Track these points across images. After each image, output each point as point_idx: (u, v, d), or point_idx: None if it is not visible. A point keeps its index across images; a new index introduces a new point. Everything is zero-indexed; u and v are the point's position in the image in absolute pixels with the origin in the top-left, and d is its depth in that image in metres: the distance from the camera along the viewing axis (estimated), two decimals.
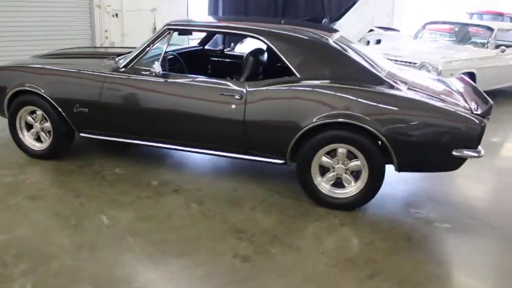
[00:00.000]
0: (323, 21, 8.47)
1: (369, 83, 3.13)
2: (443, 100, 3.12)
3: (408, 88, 3.20)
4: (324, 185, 3.19)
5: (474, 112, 2.96)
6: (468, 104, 3.10)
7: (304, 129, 3.04)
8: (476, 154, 2.89)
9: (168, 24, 3.51)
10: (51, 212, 3.01)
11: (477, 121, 2.88)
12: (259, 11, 9.64)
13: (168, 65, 3.67)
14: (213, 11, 9.26)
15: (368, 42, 8.94)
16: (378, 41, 9.08)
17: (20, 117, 3.81)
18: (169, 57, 3.77)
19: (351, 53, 3.34)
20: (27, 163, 3.81)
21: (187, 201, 3.25)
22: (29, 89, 3.65)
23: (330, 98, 3.05)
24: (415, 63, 5.91)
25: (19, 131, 3.86)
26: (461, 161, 2.98)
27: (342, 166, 3.13)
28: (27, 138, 3.87)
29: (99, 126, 3.64)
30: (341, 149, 3.07)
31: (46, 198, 3.22)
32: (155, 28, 8.52)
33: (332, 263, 2.57)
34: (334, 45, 3.30)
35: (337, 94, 3.05)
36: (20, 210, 3.04)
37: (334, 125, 3.01)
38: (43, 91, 3.61)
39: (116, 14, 8.14)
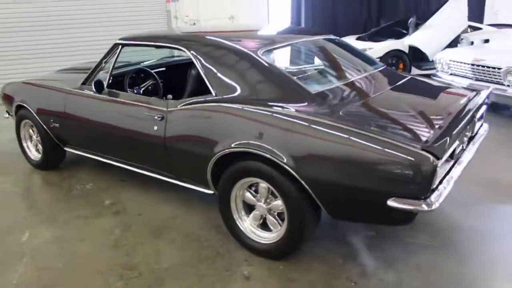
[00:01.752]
0: (409, 21, 7.41)
1: (295, 102, 2.51)
2: (399, 128, 2.32)
3: (348, 109, 2.48)
4: (247, 224, 2.68)
5: (426, 145, 2.09)
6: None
7: (215, 157, 2.59)
8: (422, 208, 2.05)
9: (119, 40, 3.38)
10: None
11: (425, 160, 2.02)
12: (348, 16, 8.89)
13: (130, 80, 3.55)
14: (296, 17, 8.85)
15: (471, 43, 7.48)
16: (486, 41, 7.51)
17: (23, 128, 4.14)
18: (118, 72, 3.59)
19: (285, 66, 2.75)
20: (25, 171, 4.12)
21: (117, 225, 3.08)
22: (20, 103, 3.94)
23: (240, 122, 2.53)
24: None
25: (23, 142, 4.20)
26: (407, 214, 2.17)
27: (263, 205, 2.58)
28: (29, 149, 4.18)
29: (69, 141, 3.73)
30: (264, 184, 2.52)
31: (2, 204, 3.41)
32: None
33: None
34: (260, 58, 2.70)
35: (247, 118, 2.50)
36: None
37: (248, 154, 2.49)
38: (29, 106, 3.85)
39: (194, 23, 8.36)
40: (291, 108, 2.44)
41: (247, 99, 2.57)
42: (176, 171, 2.96)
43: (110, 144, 3.36)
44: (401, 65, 7.34)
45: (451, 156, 2.38)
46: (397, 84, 3.08)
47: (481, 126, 3.08)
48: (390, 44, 7.32)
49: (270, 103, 2.50)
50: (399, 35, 7.66)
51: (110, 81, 3.31)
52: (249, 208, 2.68)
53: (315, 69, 2.99)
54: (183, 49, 2.90)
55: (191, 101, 2.79)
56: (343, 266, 2.55)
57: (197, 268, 2.58)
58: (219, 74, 2.71)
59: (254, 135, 2.43)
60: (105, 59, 3.40)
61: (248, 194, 2.63)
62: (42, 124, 3.79)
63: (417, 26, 7.38)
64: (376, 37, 7.94)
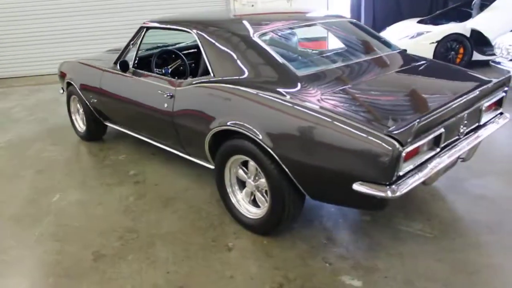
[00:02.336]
0: (473, 3, 6.89)
1: (281, 83, 2.57)
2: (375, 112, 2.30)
3: (331, 92, 2.49)
4: (239, 198, 2.83)
5: (394, 131, 2.04)
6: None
7: (209, 134, 2.76)
8: (382, 193, 2.05)
9: (143, 23, 3.62)
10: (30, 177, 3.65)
11: (387, 145, 2.00)
12: (413, 1, 8.43)
13: (159, 59, 3.80)
14: (357, 1, 8.58)
15: None
16: None
17: (72, 103, 4.62)
18: (146, 54, 3.85)
19: (281, 48, 2.80)
20: (73, 142, 4.61)
21: (133, 193, 3.39)
22: (69, 80, 4.40)
23: (226, 102, 2.67)
24: None
25: (72, 115, 4.69)
26: (377, 199, 2.16)
27: (252, 182, 2.70)
28: (77, 122, 4.66)
29: (105, 115, 4.10)
30: (252, 162, 2.65)
31: (46, 169, 3.89)
32: None
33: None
34: (253, 41, 2.77)
35: (233, 98, 2.63)
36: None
37: (237, 132, 2.62)
38: (74, 82, 4.29)
39: (252, 5, 8.48)
40: (275, 89, 2.51)
41: (238, 80, 2.69)
42: (184, 146, 3.17)
43: (134, 120, 3.66)
44: (461, 50, 6.87)
45: (437, 144, 2.30)
46: (404, 67, 3.00)
47: (495, 116, 2.89)
48: (449, 28, 6.86)
49: (257, 84, 2.59)
50: (466, 17, 7.14)
51: (137, 61, 3.58)
52: (242, 184, 2.82)
53: (314, 51, 3.00)
54: (190, 32, 3.07)
55: (194, 81, 2.96)
56: (325, 247, 2.60)
57: (188, 236, 2.79)
58: (216, 56, 2.85)
59: (238, 114, 2.56)
60: (132, 41, 3.67)
61: (240, 171, 2.76)
62: (84, 99, 4.20)
63: (482, 7, 6.83)
64: (438, 20, 7.47)
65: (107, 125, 4.33)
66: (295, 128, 2.30)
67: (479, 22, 6.65)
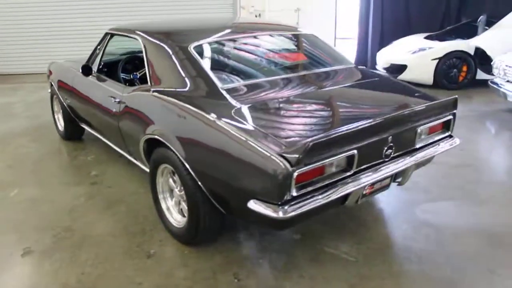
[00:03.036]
0: (478, 20, 6.67)
1: (204, 95, 2.61)
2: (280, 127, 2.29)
3: (246, 106, 2.48)
4: (168, 206, 2.86)
5: (287, 152, 2.00)
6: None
7: (141, 140, 2.82)
8: (273, 214, 2.01)
9: (109, 30, 3.72)
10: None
11: (276, 166, 1.98)
12: (423, 12, 8.21)
13: (129, 65, 3.91)
14: (365, 9, 8.45)
15: None
16: None
17: (54, 102, 4.80)
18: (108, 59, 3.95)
19: (216, 60, 2.83)
20: (54, 140, 4.79)
21: (85, 194, 3.48)
22: (51, 81, 4.57)
23: (154, 111, 2.74)
24: None
25: (55, 114, 4.87)
26: (272, 219, 2.10)
27: (177, 191, 2.73)
28: (58, 121, 4.83)
29: (77, 116, 4.23)
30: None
31: (16, 164, 4.06)
32: None
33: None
34: (187, 53, 2.80)
35: (158, 107, 2.71)
36: None
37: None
38: (53, 83, 4.46)
39: (259, 15, 8.53)
40: (194, 100, 2.55)
41: (165, 90, 2.74)
42: (128, 150, 3.24)
43: (93, 121, 3.77)
44: (464, 68, 6.63)
45: (350, 166, 2.25)
46: (344, 83, 2.99)
47: (440, 139, 2.78)
48: (452, 45, 6.64)
49: (181, 95, 2.63)
50: (476, 34, 6.90)
51: (101, 66, 3.70)
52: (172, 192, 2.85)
53: (248, 64, 3.00)
54: (138, 40, 3.13)
55: (135, 88, 3.02)
56: (241, 262, 2.58)
57: (117, 239, 2.84)
58: (153, 65, 2.92)
59: (160, 123, 2.62)
60: (98, 46, 3.78)
61: (170, 180, 2.79)
62: (61, 98, 4.36)
63: (490, 25, 6.59)
64: (447, 36, 7.25)
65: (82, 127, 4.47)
66: (202, 139, 2.34)
67: (483, 40, 6.42)
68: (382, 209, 3.18)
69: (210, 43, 2.96)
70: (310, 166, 2.04)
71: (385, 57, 7.28)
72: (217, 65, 2.86)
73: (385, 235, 2.86)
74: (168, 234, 2.85)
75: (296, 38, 3.53)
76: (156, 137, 2.59)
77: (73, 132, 4.62)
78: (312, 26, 8.42)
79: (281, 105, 2.55)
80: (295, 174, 1.98)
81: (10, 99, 6.84)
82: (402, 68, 6.85)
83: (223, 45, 3.06)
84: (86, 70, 3.58)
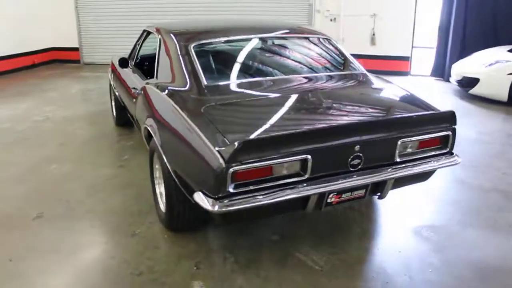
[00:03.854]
0: None
1: (190, 90, 2.74)
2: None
3: (223, 104, 2.59)
4: (161, 191, 3.05)
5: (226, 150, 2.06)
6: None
7: (142, 130, 3.06)
8: (208, 206, 2.10)
9: (146, 27, 4.03)
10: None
11: (213, 161, 2.06)
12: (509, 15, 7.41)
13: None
14: (446, 16, 7.87)
15: None
16: None
17: (112, 91, 5.32)
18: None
19: (216, 58, 2.99)
20: (108, 125, 5.31)
21: (109, 175, 3.84)
22: (108, 72, 5.10)
23: (147, 102, 2.95)
24: None
25: (112, 102, 5.36)
26: (215, 213, 2.15)
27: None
28: (113, 108, 5.32)
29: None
30: None
31: (68, 143, 4.60)
32: (373, 34, 8.29)
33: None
34: (188, 49, 2.93)
35: (150, 99, 2.92)
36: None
37: None
38: (109, 73, 4.96)
39: (334, 19, 8.44)
40: (179, 94, 2.72)
41: (160, 84, 2.95)
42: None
43: (128, 109, 4.12)
44: None
45: (304, 171, 2.22)
46: (331, 88, 2.96)
47: (433, 156, 2.59)
48: None
49: (171, 89, 2.80)
50: None
51: (138, 60, 4.05)
52: None
53: (241, 64, 3.06)
54: (157, 37, 3.38)
55: (147, 81, 3.28)
56: (209, 254, 2.67)
57: (115, 216, 3.12)
58: (159, 61, 3.14)
59: (152, 113, 2.80)
60: (137, 42, 4.13)
61: None
62: (113, 89, 4.83)
63: None
64: None
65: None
66: (172, 129, 2.50)
67: None
68: (376, 223, 3.04)
69: (212, 43, 3.10)
70: (250, 165, 2.07)
71: (459, 69, 6.74)
72: (211, 64, 2.99)
73: (364, 250, 2.73)
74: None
75: (303, 41, 3.50)
76: (146, 126, 2.80)
77: (122, 118, 5.06)
78: (388, 32, 8.11)
79: (253, 104, 2.60)
80: (230, 170, 2.02)
81: (90, 86, 7.68)
82: (474, 81, 6.30)
83: (224, 45, 3.16)
84: (123, 62, 3.94)
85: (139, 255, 2.65)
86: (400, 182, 2.61)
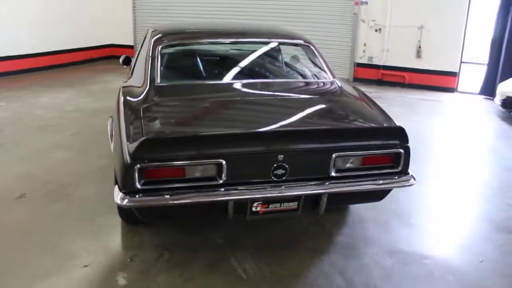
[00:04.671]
0: None
1: (143, 89, 2.83)
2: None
3: (165, 103, 2.69)
4: None
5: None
6: None
7: None
8: (116, 199, 2.23)
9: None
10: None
11: (123, 157, 2.16)
12: None
13: None
14: (499, 35, 7.25)
15: None
16: None
17: None
18: None
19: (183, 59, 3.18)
20: None
21: (104, 165, 4.06)
22: None
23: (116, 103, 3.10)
24: None
25: None
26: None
27: None
28: None
29: None
30: None
31: (81, 133, 4.92)
32: (419, 47, 7.91)
33: None
34: (155, 50, 3.03)
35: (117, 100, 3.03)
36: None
37: None
38: None
39: (380, 29, 8.16)
40: (134, 91, 2.85)
41: (129, 80, 3.08)
42: None
43: None
44: None
45: (219, 175, 2.21)
46: (281, 96, 2.92)
47: (379, 174, 2.44)
48: None
49: (127, 87, 2.95)
50: None
51: None
52: None
53: (203, 66, 3.08)
54: None
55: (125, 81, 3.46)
56: (146, 252, 2.73)
57: (91, 203, 3.31)
58: (137, 60, 3.32)
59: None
60: (143, 41, 4.31)
61: None
62: None
63: None
64: None
65: None
66: (115, 127, 2.60)
67: None
68: (332, 241, 2.90)
69: (182, 45, 3.18)
70: (158, 163, 2.11)
71: (503, 88, 6.19)
72: (176, 65, 3.06)
73: (303, 266, 2.63)
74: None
75: (279, 46, 3.46)
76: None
77: None
78: (435, 46, 7.68)
79: (191, 106, 2.63)
80: (137, 166, 2.08)
81: None
82: None
83: (195, 47, 3.22)
84: (126, 60, 4.16)
85: (91, 242, 2.78)
86: (343, 198, 2.49)
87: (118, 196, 2.17)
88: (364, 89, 7.64)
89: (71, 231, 2.92)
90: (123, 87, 3.00)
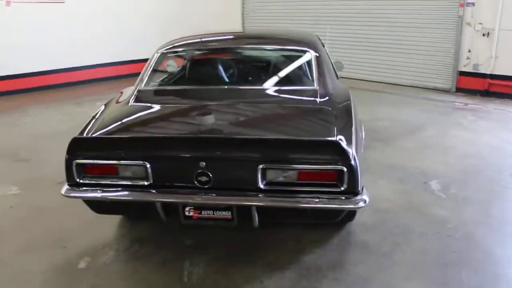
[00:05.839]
0: None
1: (133, 91, 3.11)
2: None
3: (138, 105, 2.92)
4: None
5: None
6: None
7: None
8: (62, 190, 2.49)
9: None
10: None
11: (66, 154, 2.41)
12: None
13: None
14: None
15: None
16: None
17: None
18: None
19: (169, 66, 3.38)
20: None
21: None
22: None
23: None
24: None
25: None
26: None
27: None
28: None
29: None
30: None
31: None
32: None
33: None
34: (154, 54, 3.29)
35: None
36: None
37: None
38: None
39: (488, 34, 7.22)
40: (127, 93, 3.14)
41: None
42: None
43: None
44: None
45: (146, 177, 2.35)
46: (254, 103, 2.92)
47: (325, 192, 2.26)
48: None
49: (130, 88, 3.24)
50: None
51: None
52: None
53: (191, 72, 3.21)
54: None
55: None
56: (120, 242, 2.98)
57: None
58: None
59: None
60: None
61: None
62: None
63: None
64: None
65: None
66: None
67: None
68: (309, 259, 2.75)
69: (178, 52, 3.35)
70: (91, 160, 2.32)
71: None
72: (165, 70, 3.28)
73: (252, 277, 2.57)
74: None
75: (278, 52, 3.40)
76: None
77: None
78: None
79: (156, 110, 2.81)
80: (75, 162, 2.32)
81: None
82: None
83: (191, 54, 3.36)
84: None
85: (78, 228, 3.15)
86: (282, 214, 2.37)
87: (63, 187, 2.44)
88: (463, 100, 6.96)
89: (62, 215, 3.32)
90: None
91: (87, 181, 2.40)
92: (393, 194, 3.63)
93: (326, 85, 3.00)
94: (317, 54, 3.17)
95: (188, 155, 2.27)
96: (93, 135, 2.42)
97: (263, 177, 2.26)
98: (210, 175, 2.26)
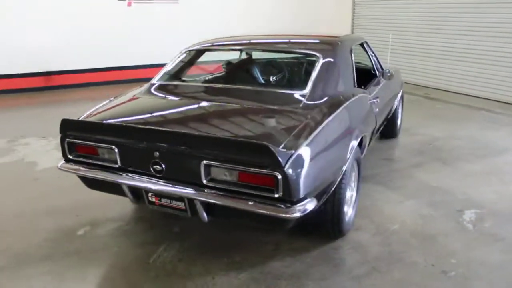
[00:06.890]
0: None
1: (147, 87, 3.40)
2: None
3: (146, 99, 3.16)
4: None
5: None
6: None
7: None
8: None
9: None
10: None
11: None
12: None
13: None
14: None
15: None
16: None
17: None
18: None
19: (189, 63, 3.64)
20: None
21: None
22: None
23: None
24: None
25: None
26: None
27: None
28: None
29: None
30: None
31: None
32: None
33: None
34: (182, 51, 3.53)
35: None
36: None
37: None
38: None
39: None
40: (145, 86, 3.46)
41: None
42: None
43: None
44: None
45: (114, 161, 2.61)
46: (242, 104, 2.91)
47: (261, 197, 2.23)
48: None
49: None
50: None
51: None
52: None
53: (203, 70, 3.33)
54: None
55: None
56: (115, 221, 3.32)
57: None
58: None
59: None
60: None
61: None
62: None
63: None
64: None
65: None
66: None
67: None
68: (276, 265, 2.71)
69: (200, 49, 3.52)
70: (77, 140, 2.67)
71: None
72: (184, 65, 3.49)
73: (208, 273, 2.63)
74: None
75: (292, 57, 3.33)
76: None
77: None
78: None
79: (147, 101, 3.07)
80: (66, 140, 2.69)
81: None
82: None
83: (210, 51, 3.51)
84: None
85: (99, 202, 3.57)
86: (226, 211, 2.39)
87: (60, 162, 2.83)
88: None
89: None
90: None
91: (76, 158, 2.75)
92: (411, 217, 3.26)
93: (324, 90, 2.87)
94: (328, 60, 3.04)
95: (143, 144, 2.45)
96: (78, 119, 2.76)
97: (207, 173, 2.32)
98: (163, 165, 2.41)
